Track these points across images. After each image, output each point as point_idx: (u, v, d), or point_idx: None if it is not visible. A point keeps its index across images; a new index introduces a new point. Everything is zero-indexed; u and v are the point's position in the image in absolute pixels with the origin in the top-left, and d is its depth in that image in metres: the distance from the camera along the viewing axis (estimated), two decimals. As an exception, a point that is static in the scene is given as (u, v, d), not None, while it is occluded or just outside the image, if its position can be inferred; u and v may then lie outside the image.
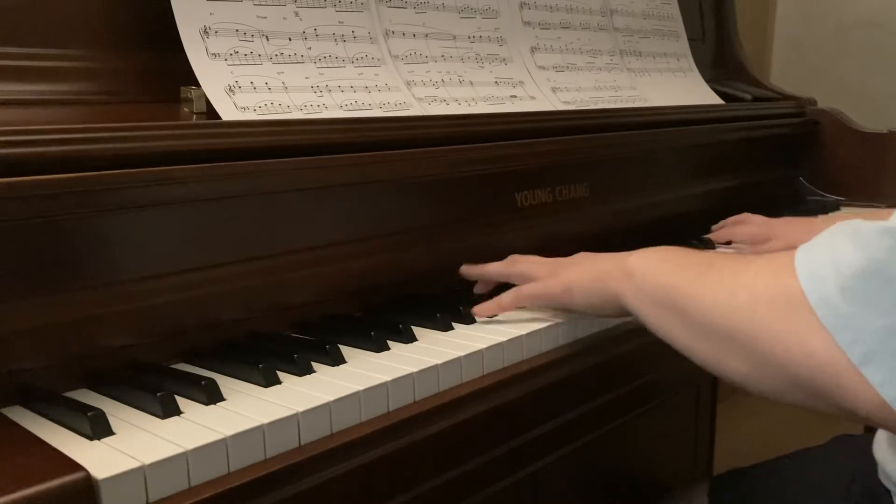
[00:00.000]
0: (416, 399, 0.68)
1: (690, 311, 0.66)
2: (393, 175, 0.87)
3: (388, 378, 0.66)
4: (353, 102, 0.91)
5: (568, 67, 1.22)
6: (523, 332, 0.78)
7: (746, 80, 1.67)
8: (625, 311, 0.77)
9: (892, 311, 0.52)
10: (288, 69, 0.87)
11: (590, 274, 0.80)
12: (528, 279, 0.85)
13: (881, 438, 0.80)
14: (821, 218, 1.22)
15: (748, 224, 1.17)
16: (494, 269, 0.89)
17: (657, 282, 0.71)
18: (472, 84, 1.06)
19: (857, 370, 0.53)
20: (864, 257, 0.54)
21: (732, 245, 1.17)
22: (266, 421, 0.58)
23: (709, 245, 1.17)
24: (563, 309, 0.84)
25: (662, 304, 0.70)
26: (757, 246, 1.12)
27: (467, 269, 0.92)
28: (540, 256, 0.88)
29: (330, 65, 0.91)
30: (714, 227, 1.22)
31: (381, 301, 0.88)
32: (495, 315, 0.84)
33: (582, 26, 1.28)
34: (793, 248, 1.09)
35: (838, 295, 0.54)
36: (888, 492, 0.80)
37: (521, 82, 1.13)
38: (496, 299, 0.84)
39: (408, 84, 0.98)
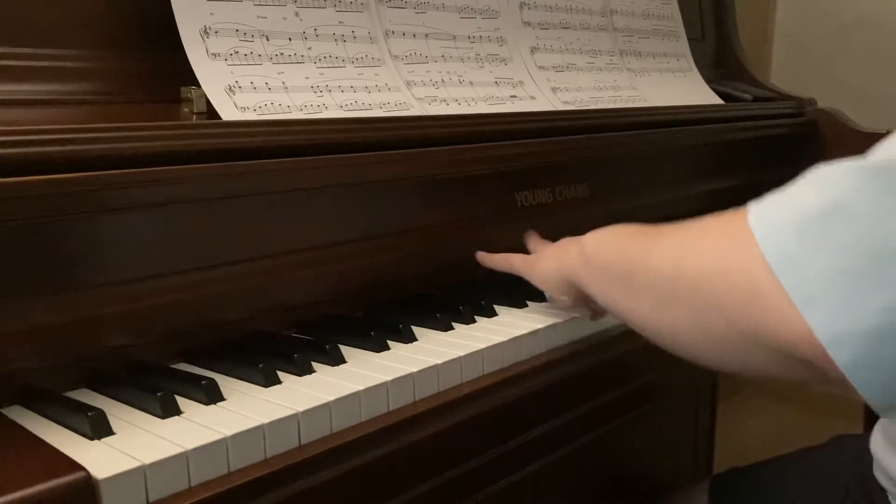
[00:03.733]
0: (416, 399, 0.68)
1: (637, 273, 0.65)
2: (393, 175, 0.87)
3: (388, 378, 0.66)
4: (353, 102, 0.91)
5: (568, 67, 1.22)
6: (523, 332, 0.79)
7: (746, 80, 1.67)
8: (581, 290, 0.77)
9: (840, 251, 0.49)
10: (288, 69, 0.87)
11: (554, 254, 0.83)
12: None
13: (878, 434, 0.80)
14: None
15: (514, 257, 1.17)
16: (505, 259, 0.94)
17: (608, 250, 0.72)
18: (472, 84, 1.06)
19: (797, 311, 0.50)
20: (823, 198, 0.51)
21: None
22: (266, 421, 0.58)
23: None
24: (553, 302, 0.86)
25: (610, 273, 0.70)
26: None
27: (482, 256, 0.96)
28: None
29: (330, 65, 0.91)
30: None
31: (381, 301, 0.88)
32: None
33: (582, 26, 1.28)
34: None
35: (791, 236, 0.51)
36: (884, 490, 0.80)
37: (521, 82, 1.13)
38: (491, 255, 0.93)
39: (408, 84, 0.98)
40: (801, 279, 0.50)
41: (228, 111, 0.80)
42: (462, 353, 0.73)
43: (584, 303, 0.82)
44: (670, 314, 0.61)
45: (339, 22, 0.93)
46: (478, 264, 0.97)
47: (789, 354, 0.52)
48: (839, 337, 0.49)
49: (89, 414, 0.56)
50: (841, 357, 0.49)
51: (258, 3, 0.86)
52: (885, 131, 1.52)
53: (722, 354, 0.59)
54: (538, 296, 0.90)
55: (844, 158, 0.54)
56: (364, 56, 0.95)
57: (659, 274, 0.63)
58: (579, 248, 0.77)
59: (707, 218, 0.61)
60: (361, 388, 0.64)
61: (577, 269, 0.76)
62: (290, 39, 0.88)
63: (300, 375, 0.68)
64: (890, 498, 0.79)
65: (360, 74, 0.93)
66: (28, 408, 0.62)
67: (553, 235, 1.01)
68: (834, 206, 0.51)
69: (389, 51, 0.98)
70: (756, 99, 1.57)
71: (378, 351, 0.74)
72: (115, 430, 0.57)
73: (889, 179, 0.50)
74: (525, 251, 0.93)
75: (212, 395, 0.62)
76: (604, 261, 0.72)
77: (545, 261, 0.85)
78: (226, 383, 0.65)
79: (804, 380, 0.55)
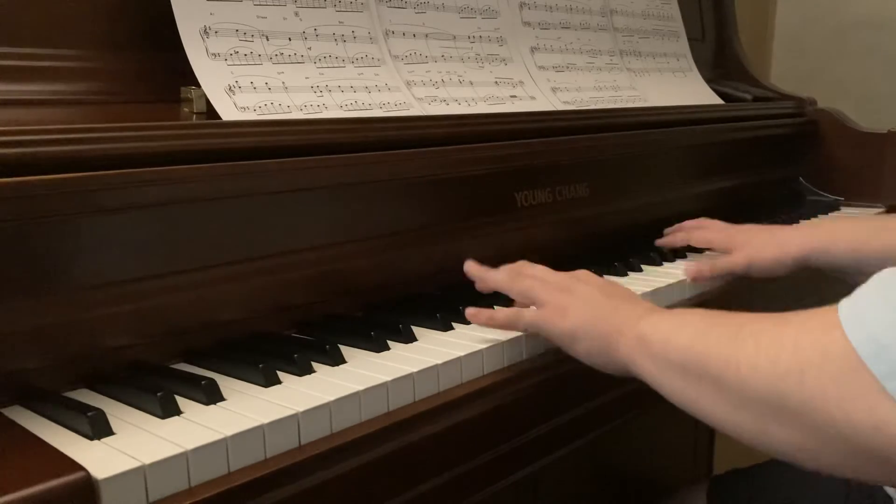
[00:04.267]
0: (416, 399, 0.68)
1: (727, 380, 0.59)
2: (393, 175, 0.87)
3: (388, 378, 0.66)
4: (353, 102, 0.91)
5: (568, 67, 1.22)
6: (523, 332, 0.78)
7: (746, 80, 1.67)
8: (630, 374, 0.71)
9: None
10: (288, 69, 0.87)
11: (598, 327, 0.73)
12: (530, 301, 0.79)
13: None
14: (792, 226, 1.14)
15: (707, 230, 1.08)
16: (496, 280, 0.83)
17: (681, 348, 0.64)
18: (472, 84, 1.06)
19: None
20: None
21: (691, 254, 1.10)
22: (266, 421, 0.58)
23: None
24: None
25: (690, 373, 0.63)
26: (716, 256, 1.03)
27: (471, 267, 0.86)
28: (546, 269, 0.82)
29: (330, 65, 0.91)
30: (667, 230, 1.12)
31: (381, 301, 0.88)
32: (487, 310, 0.80)
33: (582, 26, 1.28)
34: (754, 260, 1.04)
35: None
36: (887, 495, 0.80)
37: (521, 82, 1.13)
38: (491, 313, 0.79)
39: (408, 84, 0.98)
40: None
41: (228, 111, 0.80)
42: (462, 353, 0.73)
43: None
44: (778, 433, 0.57)
45: (339, 22, 0.93)
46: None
47: None
48: None
49: (89, 414, 0.56)
50: None
51: (258, 3, 0.86)
52: (885, 131, 1.53)
53: (853, 473, 0.57)
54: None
55: None
56: (364, 56, 0.95)
57: (758, 390, 0.57)
58: (638, 334, 0.68)
59: (793, 321, 0.57)
60: (361, 388, 0.64)
61: (638, 360, 0.68)
62: (290, 39, 0.88)
63: (300, 375, 0.68)
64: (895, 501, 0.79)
65: (360, 74, 0.93)
66: (28, 408, 0.62)
67: (553, 235, 1.01)
68: None
69: (389, 51, 0.98)
70: (756, 99, 1.57)
71: (378, 351, 0.74)
72: (115, 430, 0.57)
73: None
74: (523, 253, 0.91)
75: (212, 395, 0.62)
76: (678, 362, 0.64)
77: (583, 334, 0.74)
78: (226, 383, 0.65)
79: None
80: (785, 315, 0.59)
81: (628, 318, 0.71)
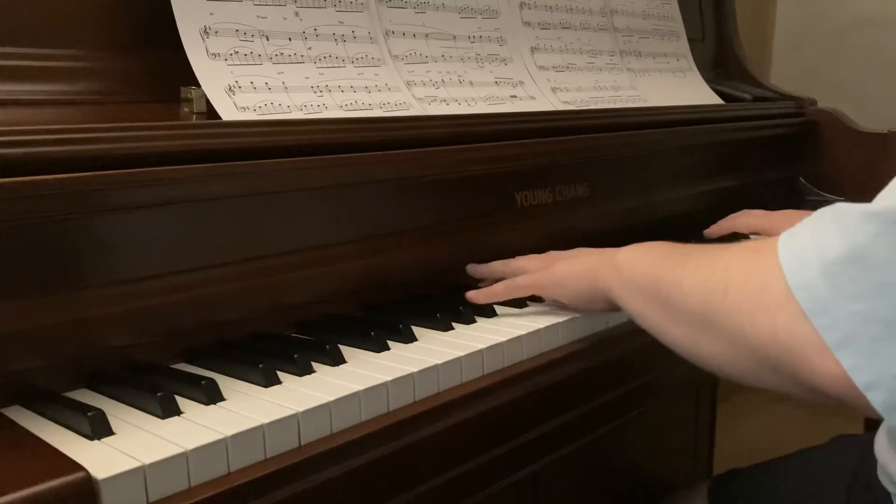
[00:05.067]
0: (416, 399, 0.68)
1: (671, 298, 0.68)
2: (393, 175, 0.87)
3: (388, 378, 0.66)
4: (353, 102, 0.91)
5: (568, 67, 1.22)
6: (523, 332, 0.78)
7: (746, 80, 1.67)
8: (613, 305, 0.79)
9: (870, 297, 0.52)
10: (288, 69, 0.87)
11: (580, 268, 0.83)
12: (523, 273, 0.88)
13: (882, 437, 0.80)
14: None
15: (750, 216, 1.18)
16: (495, 267, 0.92)
17: (642, 273, 0.73)
18: (472, 84, 1.06)
19: (831, 353, 0.53)
20: (847, 242, 0.54)
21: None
22: (266, 421, 0.58)
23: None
24: (554, 301, 0.87)
25: (646, 293, 0.72)
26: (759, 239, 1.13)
27: (473, 269, 0.94)
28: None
29: (330, 65, 0.91)
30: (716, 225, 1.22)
31: (381, 301, 0.88)
32: (488, 304, 0.86)
33: (582, 26, 1.28)
34: None
35: (819, 279, 0.54)
36: (888, 493, 0.80)
37: (521, 82, 1.13)
38: (489, 288, 0.87)
39: (408, 84, 0.98)
40: (834, 324, 0.53)
41: (228, 111, 0.80)
42: (462, 353, 0.73)
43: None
44: (705, 344, 0.64)
45: (339, 22, 0.93)
46: (478, 264, 0.96)
47: (822, 392, 0.55)
48: (875, 380, 0.52)
49: (89, 414, 0.56)
50: (877, 398, 0.52)
51: (258, 3, 0.86)
52: (885, 131, 1.53)
53: (754, 383, 0.62)
54: (538, 296, 0.90)
55: (858, 202, 0.56)
56: (364, 56, 0.95)
57: (691, 304, 0.65)
58: (613, 263, 0.77)
59: (734, 247, 0.63)
60: (361, 388, 0.64)
61: (614, 287, 0.77)
62: (290, 39, 0.88)
63: (300, 375, 0.68)
64: (894, 500, 0.79)
65: (360, 74, 0.93)
66: (28, 408, 0.62)
67: (553, 235, 1.02)
68: (858, 251, 0.53)
69: (389, 51, 0.98)
70: (756, 99, 1.57)
71: (378, 351, 0.74)
72: (115, 430, 0.57)
73: None
74: (522, 253, 0.93)
75: (212, 395, 0.62)
76: (640, 283, 0.73)
77: (570, 277, 0.84)
78: (226, 383, 0.65)
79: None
80: (738, 244, 0.66)
81: (605, 254, 0.80)
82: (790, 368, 0.56)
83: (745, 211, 1.20)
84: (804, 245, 0.56)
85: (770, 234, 1.11)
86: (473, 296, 0.86)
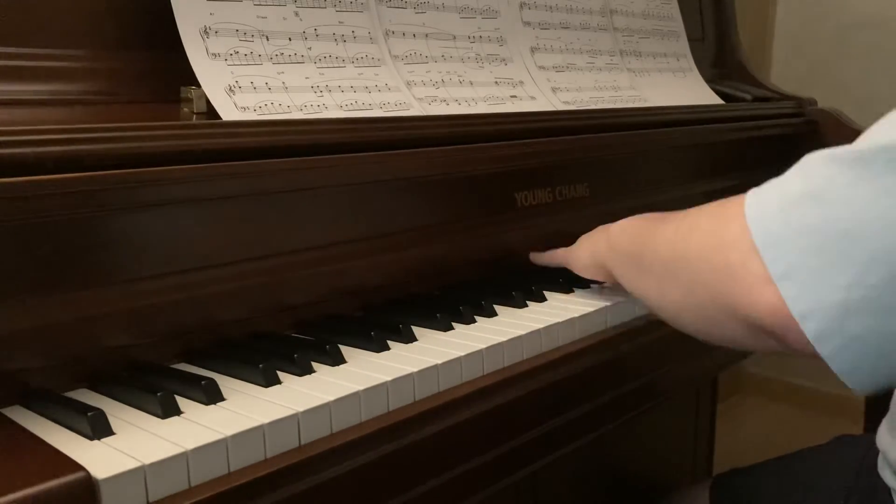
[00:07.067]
0: (417, 399, 0.68)
1: (645, 256, 0.72)
2: (393, 175, 0.87)
3: (388, 378, 0.66)
4: (353, 102, 0.91)
5: (568, 67, 1.22)
6: (523, 332, 0.78)
7: (746, 80, 1.67)
8: (608, 271, 0.84)
9: (818, 232, 0.54)
10: (288, 69, 0.87)
11: (588, 243, 0.90)
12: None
13: (884, 427, 0.80)
14: None
15: None
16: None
17: (626, 238, 0.79)
18: (472, 84, 1.06)
19: (774, 285, 0.55)
20: (806, 183, 0.56)
21: None
22: (266, 421, 0.58)
23: None
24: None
25: (627, 256, 0.77)
26: None
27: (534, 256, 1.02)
28: None
29: (330, 65, 0.91)
30: None
31: (381, 301, 0.88)
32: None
33: (582, 26, 1.28)
34: None
35: (775, 215, 0.56)
36: (889, 491, 0.80)
37: (521, 82, 1.13)
38: (540, 254, 1.00)
39: (408, 84, 0.98)
40: (781, 256, 0.55)
41: (228, 111, 0.80)
42: (462, 353, 0.72)
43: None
44: (670, 294, 0.67)
45: (339, 22, 0.93)
46: (478, 264, 0.97)
47: (762, 326, 0.57)
48: (808, 310, 0.54)
49: (89, 414, 0.56)
50: (811, 327, 0.54)
51: (258, 3, 0.86)
52: (885, 131, 1.52)
53: (709, 329, 0.64)
54: (538, 296, 0.90)
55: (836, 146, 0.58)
56: (364, 56, 0.95)
57: (661, 256, 0.68)
58: (607, 235, 0.84)
59: (712, 203, 0.66)
60: (361, 388, 0.64)
61: (604, 255, 0.84)
62: (290, 39, 0.88)
63: (300, 375, 0.68)
64: (895, 497, 0.79)
65: (360, 74, 0.93)
66: (28, 408, 0.62)
67: (553, 235, 1.02)
68: (813, 190, 0.55)
69: (389, 51, 0.98)
70: (756, 99, 1.57)
71: (378, 351, 0.74)
72: (115, 430, 0.57)
73: (862, 167, 0.54)
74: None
75: (212, 395, 0.62)
76: (623, 246, 0.79)
77: (581, 249, 0.92)
78: (226, 383, 0.65)
79: (774, 350, 0.60)
80: (718, 202, 0.66)
81: (606, 227, 0.86)
82: (732, 301, 0.58)
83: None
84: (768, 189, 0.59)
85: None
86: (533, 255, 1.00)
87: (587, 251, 0.90)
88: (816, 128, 1.60)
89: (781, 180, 0.59)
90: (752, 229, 0.57)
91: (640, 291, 0.75)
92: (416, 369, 0.68)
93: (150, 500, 0.52)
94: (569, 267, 0.94)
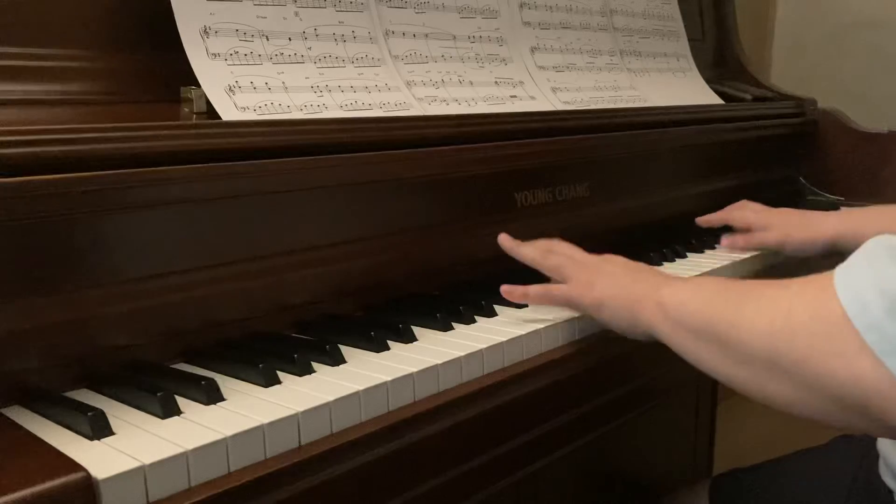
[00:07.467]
0: (417, 399, 0.68)
1: (730, 340, 0.65)
2: (393, 175, 0.87)
3: (388, 378, 0.66)
4: (353, 102, 0.91)
5: (568, 67, 1.22)
6: (523, 332, 0.78)
7: (746, 80, 1.67)
8: (653, 338, 0.76)
9: None
10: (288, 69, 0.87)
11: (623, 296, 0.79)
12: (560, 276, 0.84)
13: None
14: (825, 212, 1.20)
15: (746, 210, 1.16)
16: (529, 255, 0.88)
17: (692, 313, 0.71)
18: (472, 84, 1.06)
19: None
20: None
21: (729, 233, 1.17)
22: (266, 421, 0.58)
23: (708, 244, 1.16)
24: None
25: (700, 334, 0.69)
26: (752, 234, 1.12)
27: (504, 240, 0.91)
28: (574, 247, 0.87)
29: (330, 65, 0.91)
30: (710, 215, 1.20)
31: (381, 301, 0.88)
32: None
33: (582, 26, 1.28)
34: (788, 239, 1.11)
35: (885, 318, 0.53)
36: (889, 492, 0.80)
37: (521, 82, 1.13)
38: (525, 288, 0.84)
39: (408, 84, 0.98)
40: None
41: (228, 111, 0.80)
42: (462, 353, 0.72)
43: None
44: (773, 387, 0.63)
45: (339, 22, 0.93)
46: (478, 264, 0.96)
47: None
48: None
49: (89, 414, 0.56)
50: None
51: (258, 3, 0.86)
52: (885, 131, 1.53)
53: (836, 420, 0.60)
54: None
55: None
56: (364, 56, 0.95)
57: (756, 348, 0.63)
58: (657, 300, 0.75)
59: (792, 286, 0.62)
60: (361, 388, 0.64)
61: (658, 326, 0.74)
62: (290, 39, 0.88)
63: (300, 375, 0.68)
64: None
65: (360, 74, 0.93)
66: (28, 408, 0.62)
67: (553, 235, 1.01)
68: None
69: (389, 51, 0.98)
70: (756, 99, 1.57)
71: (378, 351, 0.74)
72: (115, 430, 0.57)
73: None
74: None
75: (212, 395, 0.62)
76: (691, 324, 0.71)
77: (611, 303, 0.80)
78: (226, 383, 0.65)
79: None
80: (788, 280, 0.63)
81: (649, 287, 0.77)
82: (877, 412, 0.55)
83: (744, 202, 1.19)
84: (863, 283, 0.55)
85: (764, 229, 1.11)
86: (508, 291, 0.84)
87: (623, 311, 0.79)
88: (816, 128, 1.60)
89: (874, 271, 0.56)
90: (867, 337, 0.54)
91: (725, 377, 0.69)
92: (415, 369, 0.68)
93: (150, 500, 0.52)
94: (579, 311, 0.84)
